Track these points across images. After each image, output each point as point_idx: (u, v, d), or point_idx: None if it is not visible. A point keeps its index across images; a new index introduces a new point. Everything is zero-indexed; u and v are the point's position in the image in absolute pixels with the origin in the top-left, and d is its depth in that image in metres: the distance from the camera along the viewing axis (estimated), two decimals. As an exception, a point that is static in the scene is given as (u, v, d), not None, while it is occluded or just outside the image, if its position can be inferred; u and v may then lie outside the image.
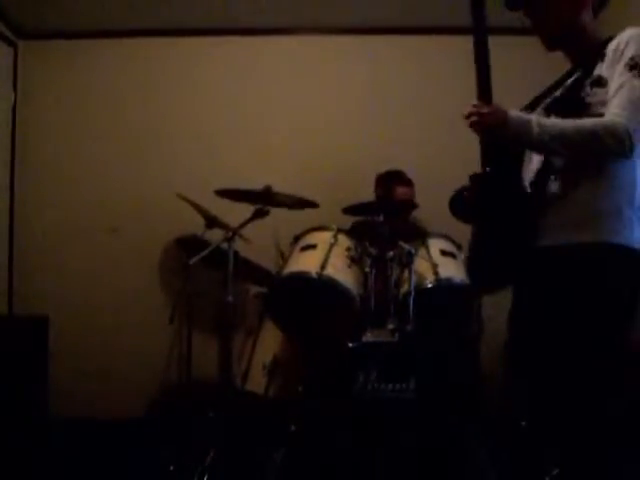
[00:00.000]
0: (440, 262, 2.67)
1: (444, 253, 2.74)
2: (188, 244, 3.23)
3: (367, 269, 2.56)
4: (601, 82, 1.70)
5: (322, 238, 2.70)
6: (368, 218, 2.91)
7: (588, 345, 1.68)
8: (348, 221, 3.05)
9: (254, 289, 3.35)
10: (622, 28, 1.75)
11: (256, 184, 2.67)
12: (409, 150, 3.52)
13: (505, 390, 2.41)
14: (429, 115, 3.58)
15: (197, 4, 3.50)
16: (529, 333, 1.84)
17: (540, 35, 1.84)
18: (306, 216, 2.86)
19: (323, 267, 2.52)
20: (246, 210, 2.71)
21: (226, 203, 2.78)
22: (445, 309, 2.68)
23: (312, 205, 2.78)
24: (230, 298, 2.64)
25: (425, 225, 3.28)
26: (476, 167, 1.82)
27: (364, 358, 2.27)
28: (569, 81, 1.81)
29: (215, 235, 2.93)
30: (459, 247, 2.77)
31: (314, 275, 2.51)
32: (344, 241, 2.70)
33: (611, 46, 1.72)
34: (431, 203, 2.73)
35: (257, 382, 2.79)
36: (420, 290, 2.57)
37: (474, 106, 1.74)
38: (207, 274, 3.08)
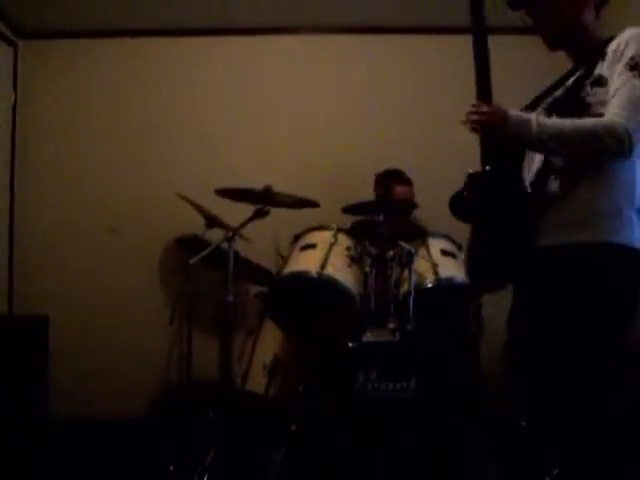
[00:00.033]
0: (440, 262, 2.68)
1: (444, 253, 2.74)
2: (188, 244, 3.23)
3: (367, 269, 2.56)
4: (601, 82, 1.70)
5: (322, 238, 2.71)
6: (368, 218, 2.91)
7: (588, 345, 1.68)
8: (348, 221, 3.05)
9: (254, 289, 3.35)
10: (622, 28, 1.75)
11: (256, 184, 2.67)
12: (409, 150, 3.52)
13: (505, 390, 2.40)
14: (429, 115, 3.58)
15: (197, 4, 3.50)
16: (529, 333, 1.84)
17: (542, 34, 1.84)
18: (306, 216, 2.86)
19: (323, 267, 2.52)
20: (246, 210, 2.71)
21: (226, 203, 2.78)
22: (445, 309, 2.68)
23: (312, 205, 2.78)
24: (230, 298, 2.64)
25: (425, 225, 3.28)
26: (476, 167, 1.82)
27: (364, 358, 2.27)
28: (570, 81, 1.81)
29: (215, 235, 2.93)
30: (459, 247, 2.77)
31: (314, 275, 2.52)
32: (344, 241, 2.70)
33: (611, 46, 1.72)
34: (431, 203, 2.73)
35: (257, 382, 2.79)
36: (420, 290, 2.57)
37: (474, 106, 1.74)
38: (207, 274, 3.08)
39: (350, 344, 2.32)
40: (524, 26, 1.88)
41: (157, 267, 3.63)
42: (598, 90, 1.70)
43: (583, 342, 1.69)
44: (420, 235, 2.87)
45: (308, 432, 2.26)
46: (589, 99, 1.71)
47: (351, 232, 2.82)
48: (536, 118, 1.69)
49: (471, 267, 2.01)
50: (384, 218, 2.62)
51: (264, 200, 2.68)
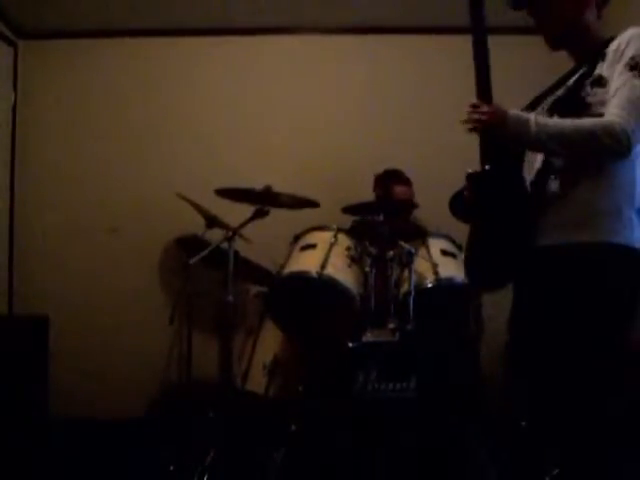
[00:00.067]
0: (440, 262, 2.68)
1: (444, 253, 2.74)
2: (188, 244, 3.23)
3: (367, 269, 2.56)
4: (601, 82, 1.70)
5: (322, 238, 2.71)
6: (368, 218, 2.91)
7: (588, 345, 1.68)
8: (348, 221, 3.05)
9: (254, 289, 3.35)
10: (622, 28, 1.75)
11: (256, 184, 2.67)
12: (409, 150, 3.52)
13: (505, 390, 2.40)
14: (429, 115, 3.58)
15: (197, 4, 3.50)
16: (529, 333, 1.84)
17: (543, 34, 1.84)
18: (306, 216, 2.86)
19: (323, 267, 2.53)
20: (246, 210, 2.71)
21: (226, 203, 2.78)
22: (445, 309, 2.68)
23: (312, 204, 2.77)
24: (230, 298, 2.64)
25: (425, 225, 3.28)
26: (476, 167, 1.82)
27: (364, 358, 2.27)
28: (571, 80, 1.81)
29: (215, 235, 2.93)
30: (459, 247, 2.77)
31: (314, 275, 2.52)
32: (344, 241, 2.70)
33: (612, 46, 1.72)
34: (431, 203, 2.73)
35: (257, 382, 2.79)
36: (420, 290, 2.57)
37: (473, 105, 1.74)
38: (207, 274, 3.08)
39: (350, 344, 2.33)
40: (524, 26, 1.88)
41: (157, 267, 3.63)
42: (598, 90, 1.70)
43: (583, 342, 1.68)
44: (420, 235, 2.87)
45: (308, 432, 2.26)
46: (589, 99, 1.71)
47: (351, 232, 2.82)
48: (535, 118, 1.69)
49: (470, 267, 2.01)
50: (384, 218, 2.62)
51: (264, 200, 2.68)
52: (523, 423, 1.95)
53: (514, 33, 3.26)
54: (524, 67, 3.31)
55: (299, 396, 2.43)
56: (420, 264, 2.65)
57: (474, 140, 1.79)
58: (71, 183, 3.69)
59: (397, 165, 3.28)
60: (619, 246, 1.69)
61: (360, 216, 3.05)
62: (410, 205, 3.05)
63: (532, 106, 1.86)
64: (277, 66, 3.71)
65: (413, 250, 2.57)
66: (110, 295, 3.59)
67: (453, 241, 2.82)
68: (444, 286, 2.62)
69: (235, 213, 2.80)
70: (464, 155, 1.83)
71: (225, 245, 2.68)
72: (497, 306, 2.34)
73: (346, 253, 2.64)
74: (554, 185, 1.77)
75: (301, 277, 2.59)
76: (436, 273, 2.62)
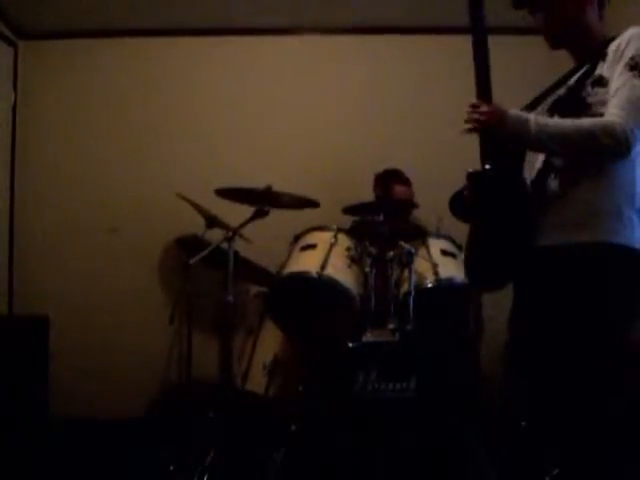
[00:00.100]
0: (440, 262, 2.68)
1: (444, 253, 2.74)
2: (188, 244, 3.23)
3: (367, 269, 2.56)
4: (602, 82, 1.70)
5: (322, 238, 2.71)
6: (368, 218, 2.91)
7: (588, 345, 1.68)
8: (348, 221, 3.05)
9: (254, 289, 3.35)
10: (622, 28, 1.75)
11: (256, 184, 2.67)
12: (409, 150, 3.52)
13: (505, 390, 2.41)
14: (429, 115, 3.58)
15: (197, 4, 3.50)
16: (529, 333, 1.84)
17: (544, 33, 1.84)
18: (306, 216, 2.86)
19: (323, 267, 2.53)
20: (246, 210, 2.71)
21: (226, 203, 2.78)
22: (445, 309, 2.68)
23: (313, 204, 2.77)
24: (230, 298, 2.64)
25: (425, 225, 3.28)
26: (476, 167, 1.82)
27: (364, 358, 2.27)
28: (572, 80, 1.81)
29: (215, 235, 2.93)
30: (459, 247, 2.77)
31: (314, 275, 2.52)
32: (344, 241, 2.70)
33: (612, 46, 1.72)
34: (431, 203, 2.73)
35: (257, 382, 2.79)
36: (420, 290, 2.57)
37: (473, 105, 1.75)
38: (207, 274, 3.09)
39: (350, 344, 2.33)
40: (524, 26, 1.88)
41: (157, 267, 3.63)
42: (599, 90, 1.70)
43: (583, 342, 1.68)
44: (420, 235, 2.87)
45: (308, 432, 2.26)
46: (590, 99, 1.71)
47: (351, 232, 2.82)
48: (535, 118, 1.69)
49: (470, 267, 2.01)
50: (384, 218, 2.62)
51: (264, 200, 2.68)
52: (523, 423, 1.95)
53: (514, 33, 3.26)
54: (524, 67, 3.32)
55: (299, 396, 2.43)
56: (420, 264, 2.65)
57: (474, 140, 1.79)
58: (71, 183, 3.69)
59: (397, 165, 3.28)
60: (619, 246, 1.69)
61: (360, 216, 3.05)
62: (410, 205, 3.05)
63: (532, 106, 1.86)
64: (277, 66, 3.71)
65: (413, 250, 2.57)
66: (110, 295, 3.59)
67: (453, 241, 2.82)
68: (444, 286, 2.62)
69: (235, 213, 2.80)
70: (464, 155, 1.83)
71: (225, 245, 2.68)
72: (497, 306, 2.34)
73: (346, 253, 2.64)
74: (554, 185, 1.77)
75: (301, 277, 2.59)
76: (436, 273, 2.62)
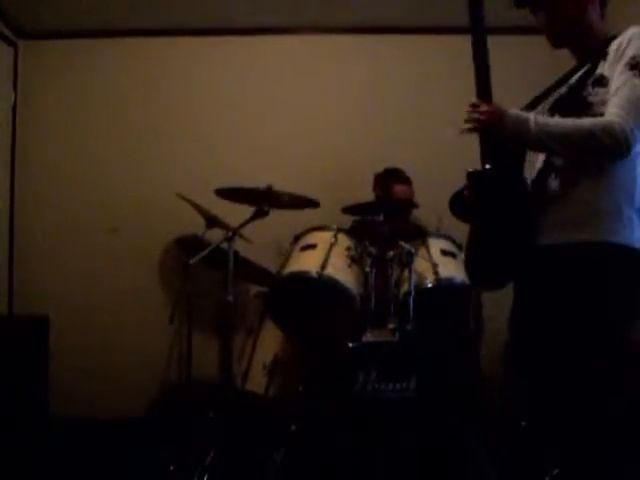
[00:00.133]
0: (440, 262, 2.68)
1: (444, 253, 2.74)
2: (188, 244, 3.23)
3: (367, 269, 2.56)
4: (603, 81, 1.70)
5: (322, 238, 2.71)
6: (368, 218, 2.91)
7: (588, 345, 1.68)
8: (348, 221, 3.05)
9: (254, 289, 3.35)
10: (622, 28, 1.75)
11: (256, 184, 2.66)
12: (409, 150, 3.51)
13: (505, 390, 2.41)
14: (429, 115, 3.58)
15: (197, 4, 3.50)
16: (530, 332, 1.84)
17: (546, 32, 1.84)
18: (306, 216, 2.86)
19: (323, 267, 2.53)
20: (246, 210, 2.71)
21: (226, 203, 2.78)
22: (445, 309, 2.68)
23: (313, 204, 2.77)
24: (230, 298, 2.64)
25: (425, 225, 3.28)
26: (477, 166, 1.82)
27: (364, 358, 2.27)
28: (574, 79, 1.81)
29: (215, 235, 2.93)
30: (459, 247, 2.77)
31: (314, 275, 2.52)
32: (344, 241, 2.70)
33: (613, 45, 1.72)
34: (431, 202, 2.73)
35: (257, 382, 2.79)
36: (420, 290, 2.57)
37: (472, 104, 1.75)
38: (207, 274, 3.08)
39: (350, 344, 2.33)
40: (524, 26, 1.88)
41: (157, 267, 3.63)
42: (599, 90, 1.70)
43: (583, 342, 1.69)
44: (420, 235, 2.87)
45: (308, 432, 2.26)
46: (590, 99, 1.71)
47: (351, 232, 2.82)
48: (535, 117, 1.69)
49: (471, 266, 2.01)
50: (384, 218, 2.62)
51: (264, 200, 2.67)
52: (523, 423, 1.95)
53: (514, 33, 3.27)
54: (524, 67, 3.32)
55: (299, 396, 2.43)
56: (420, 264, 2.65)
57: (474, 140, 1.79)
58: (71, 183, 3.69)
59: (397, 165, 3.28)
60: (619, 246, 1.70)
61: (360, 216, 3.05)
62: (410, 205, 3.05)
63: (532, 105, 1.86)
64: (277, 66, 3.71)
65: (413, 250, 2.57)
66: (110, 295, 3.59)
67: (453, 241, 2.82)
68: (444, 286, 2.61)
69: (235, 213, 2.80)
70: (464, 155, 1.83)
71: (225, 245, 2.68)
72: (497, 306, 2.34)
73: (346, 253, 2.64)
74: (554, 184, 1.77)
75: (301, 277, 2.59)
76: (436, 273, 2.62)
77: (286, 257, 2.76)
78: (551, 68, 1.88)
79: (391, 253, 2.62)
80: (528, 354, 1.86)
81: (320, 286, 2.55)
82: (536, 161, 1.84)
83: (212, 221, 3.01)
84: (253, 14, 3.55)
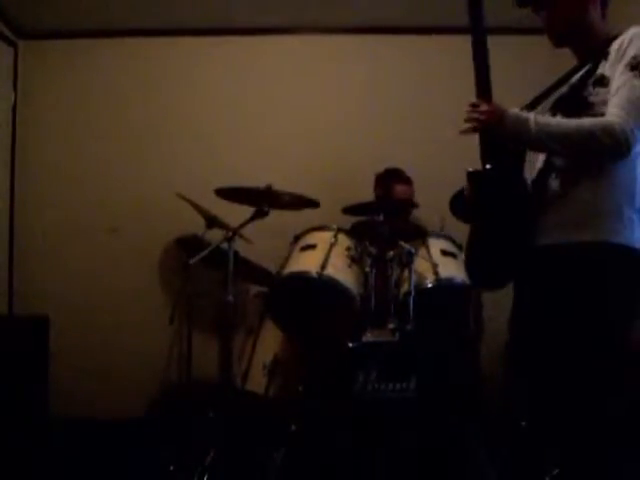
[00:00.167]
0: (440, 262, 2.68)
1: (444, 253, 2.74)
2: (188, 244, 3.23)
3: (367, 269, 2.56)
4: (604, 81, 1.71)
5: (322, 238, 2.71)
6: (368, 218, 2.92)
7: (588, 345, 1.68)
8: (348, 221, 3.05)
9: (254, 289, 3.35)
10: (623, 28, 1.75)
11: (256, 184, 2.66)
12: (409, 150, 3.51)
13: (505, 390, 2.41)
14: (429, 115, 3.58)
15: (197, 4, 3.50)
16: (530, 332, 1.84)
17: (547, 32, 1.84)
18: (306, 216, 2.86)
19: (323, 267, 2.53)
20: (246, 210, 2.71)
21: (226, 203, 2.78)
22: (445, 309, 2.68)
23: (313, 204, 2.77)
24: (230, 298, 2.64)
25: (425, 225, 3.28)
26: (477, 166, 1.82)
27: (364, 358, 2.27)
28: (575, 78, 1.81)
29: (215, 235, 2.93)
30: (459, 247, 2.77)
31: (314, 275, 2.52)
32: (344, 241, 2.70)
33: (615, 45, 1.72)
34: (431, 203, 2.73)
35: (257, 382, 2.79)
36: (420, 290, 2.57)
37: (472, 104, 1.75)
38: (207, 274, 3.08)
39: (350, 344, 2.33)
40: (524, 26, 1.88)
41: (157, 267, 3.63)
42: (600, 90, 1.70)
43: (583, 342, 1.69)
44: (420, 235, 2.87)
45: (308, 432, 2.26)
46: (591, 99, 1.71)
47: (351, 232, 2.82)
48: (535, 117, 1.69)
49: (471, 266, 2.01)
50: (384, 218, 2.62)
51: (264, 200, 2.67)
52: (523, 423, 1.95)
53: (514, 33, 3.27)
54: (524, 67, 3.32)
55: (299, 396, 2.43)
56: (420, 264, 2.65)
57: (475, 140, 1.79)
58: (71, 183, 3.69)
59: (397, 165, 3.28)
60: (619, 246, 1.70)
61: (360, 216, 3.05)
62: (410, 205, 3.05)
63: (532, 105, 1.86)
64: (277, 66, 3.71)
65: (413, 250, 2.57)
66: (110, 295, 3.59)
67: (453, 241, 2.82)
68: (444, 286, 2.62)
69: (235, 213, 2.80)
70: (464, 155, 1.83)
71: (225, 245, 2.68)
72: (497, 306, 2.34)
73: (346, 253, 2.64)
74: (555, 184, 1.77)
75: (301, 277, 2.59)
76: (436, 273, 2.62)
77: (286, 257, 2.76)
78: (551, 68, 1.88)
79: (391, 253, 2.62)
80: (528, 354, 1.86)
81: (320, 286, 2.55)
82: (536, 161, 1.84)
83: (212, 221, 3.01)
84: (253, 14, 3.55)
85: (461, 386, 2.40)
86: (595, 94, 1.71)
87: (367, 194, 3.16)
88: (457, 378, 2.41)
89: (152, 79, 3.71)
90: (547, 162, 1.80)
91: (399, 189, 3.16)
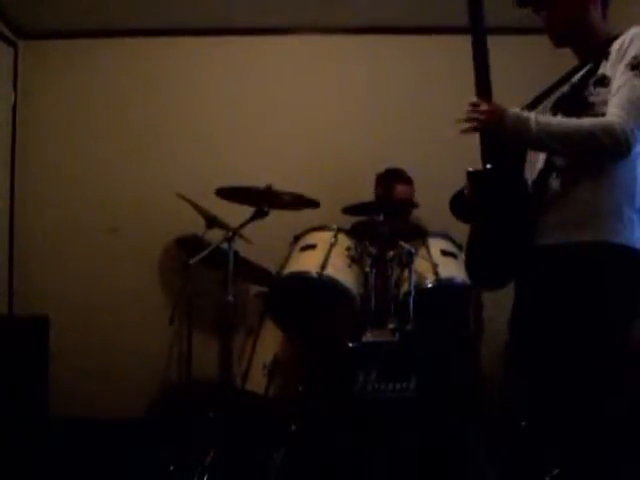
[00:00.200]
0: (440, 262, 2.68)
1: (444, 253, 2.74)
2: (188, 244, 3.23)
3: (367, 269, 2.56)
4: (604, 81, 1.70)
5: (322, 238, 2.71)
6: (368, 218, 2.92)
7: (588, 345, 1.68)
8: (348, 221, 3.05)
9: (254, 289, 3.35)
10: (623, 28, 1.75)
11: (256, 184, 2.66)
12: (409, 150, 3.51)
13: (505, 390, 2.40)
14: (429, 115, 3.57)
15: (197, 4, 3.50)
16: (530, 332, 1.84)
17: (548, 32, 1.84)
18: (306, 216, 2.86)
19: (323, 267, 2.53)
20: (246, 210, 2.71)
21: (226, 203, 2.78)
22: (445, 309, 2.68)
23: (313, 204, 2.77)
24: (230, 298, 2.64)
25: (425, 225, 3.28)
26: (477, 167, 1.82)
27: (364, 358, 2.27)
28: (576, 78, 1.81)
29: (215, 235, 2.93)
30: (459, 247, 2.77)
31: (314, 275, 2.52)
32: (344, 241, 2.70)
33: (615, 44, 1.72)
34: (431, 202, 2.73)
35: (257, 382, 2.79)
36: (420, 290, 2.57)
37: (472, 104, 1.75)
38: (207, 274, 3.08)
39: (350, 344, 2.33)
40: (524, 26, 1.88)
41: (157, 267, 3.63)
42: (601, 90, 1.70)
43: (583, 342, 1.69)
44: (420, 235, 2.87)
45: (308, 432, 2.26)
46: (592, 99, 1.71)
47: (351, 232, 2.82)
48: (535, 117, 1.69)
49: (471, 266, 2.01)
50: (384, 218, 2.62)
51: (264, 200, 2.67)
52: (523, 423, 1.95)
53: (514, 33, 3.27)
54: (524, 67, 3.32)
55: (299, 396, 2.43)
56: (420, 264, 2.65)
57: (475, 139, 1.79)
58: (71, 183, 3.69)
59: (397, 165, 3.28)
60: (619, 246, 1.70)
61: (360, 216, 3.05)
62: (410, 204, 3.05)
63: (533, 105, 1.86)
64: (277, 66, 3.71)
65: (413, 250, 2.57)
66: (110, 295, 3.59)
67: (453, 241, 2.82)
68: (444, 286, 2.62)
69: (235, 213, 2.79)
70: (465, 155, 1.83)
71: (225, 245, 2.68)
72: (497, 306, 2.34)
73: (346, 253, 2.64)
74: (556, 184, 1.77)
75: (301, 277, 2.59)
76: (436, 273, 2.62)
77: (286, 257, 2.76)
78: (551, 68, 1.88)
79: (391, 253, 2.62)
80: (528, 354, 1.86)
81: (320, 286, 2.55)
82: (537, 161, 1.84)
83: (212, 221, 3.01)
84: (253, 14, 3.55)
85: (461, 386, 2.40)
86: (596, 94, 1.71)
87: (367, 194, 3.16)
88: (457, 378, 2.41)
89: (152, 79, 3.71)
90: (547, 162, 1.80)
91: (400, 189, 3.16)
